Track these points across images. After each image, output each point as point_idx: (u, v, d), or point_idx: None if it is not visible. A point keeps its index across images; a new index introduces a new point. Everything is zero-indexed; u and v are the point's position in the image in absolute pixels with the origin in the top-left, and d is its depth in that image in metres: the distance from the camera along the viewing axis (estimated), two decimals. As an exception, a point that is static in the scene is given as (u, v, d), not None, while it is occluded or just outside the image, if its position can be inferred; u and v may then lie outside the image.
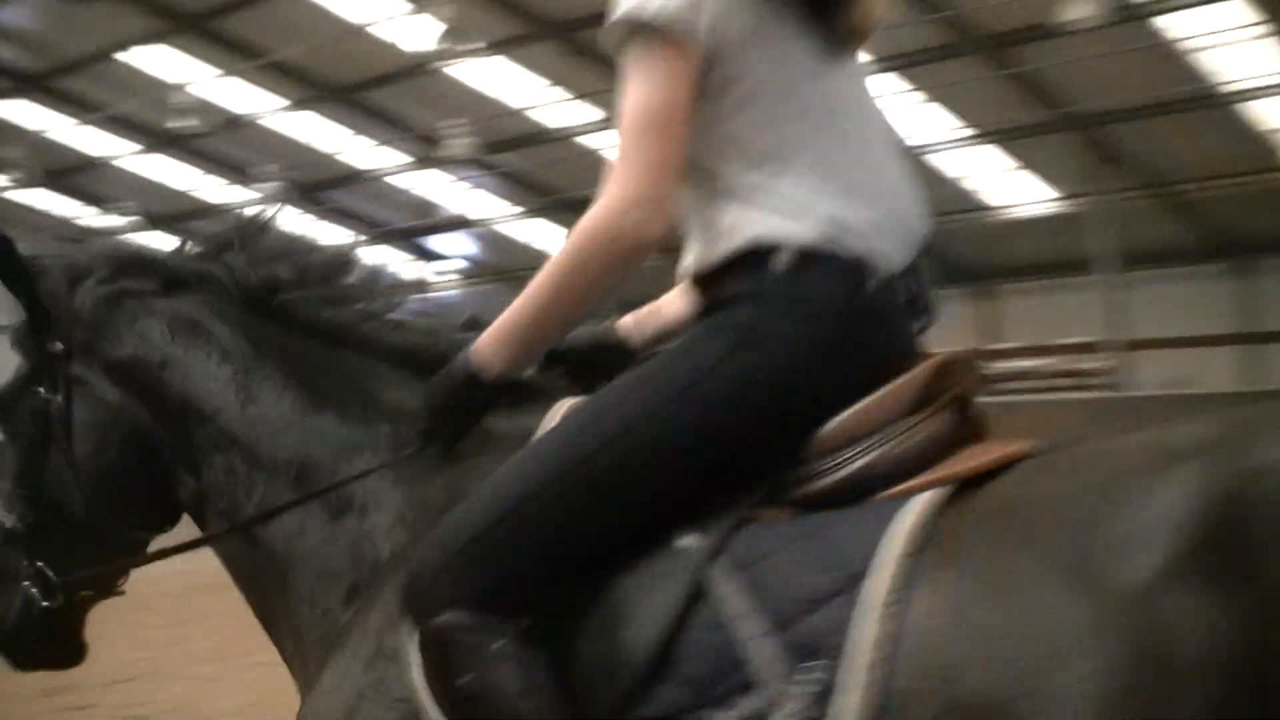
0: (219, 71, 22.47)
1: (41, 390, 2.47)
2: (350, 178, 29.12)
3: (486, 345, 2.10)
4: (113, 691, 8.37)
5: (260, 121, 25.90)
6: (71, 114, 25.08)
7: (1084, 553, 1.59)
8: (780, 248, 1.92)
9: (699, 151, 1.99)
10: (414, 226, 31.87)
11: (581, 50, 20.90)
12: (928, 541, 1.72)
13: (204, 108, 20.26)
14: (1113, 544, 1.57)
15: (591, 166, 25.79)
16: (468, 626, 1.85)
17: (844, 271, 1.93)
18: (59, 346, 2.49)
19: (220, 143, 26.49)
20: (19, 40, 24.23)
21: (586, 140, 24.65)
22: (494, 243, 32.25)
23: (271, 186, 25.88)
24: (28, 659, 2.62)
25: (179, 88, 20.26)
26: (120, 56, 23.22)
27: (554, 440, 2.01)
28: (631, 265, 1.97)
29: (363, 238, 32.96)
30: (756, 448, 1.93)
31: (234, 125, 25.35)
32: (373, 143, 26.88)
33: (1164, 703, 1.47)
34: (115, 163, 28.63)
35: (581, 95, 22.88)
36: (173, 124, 20.05)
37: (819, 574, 1.75)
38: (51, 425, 2.45)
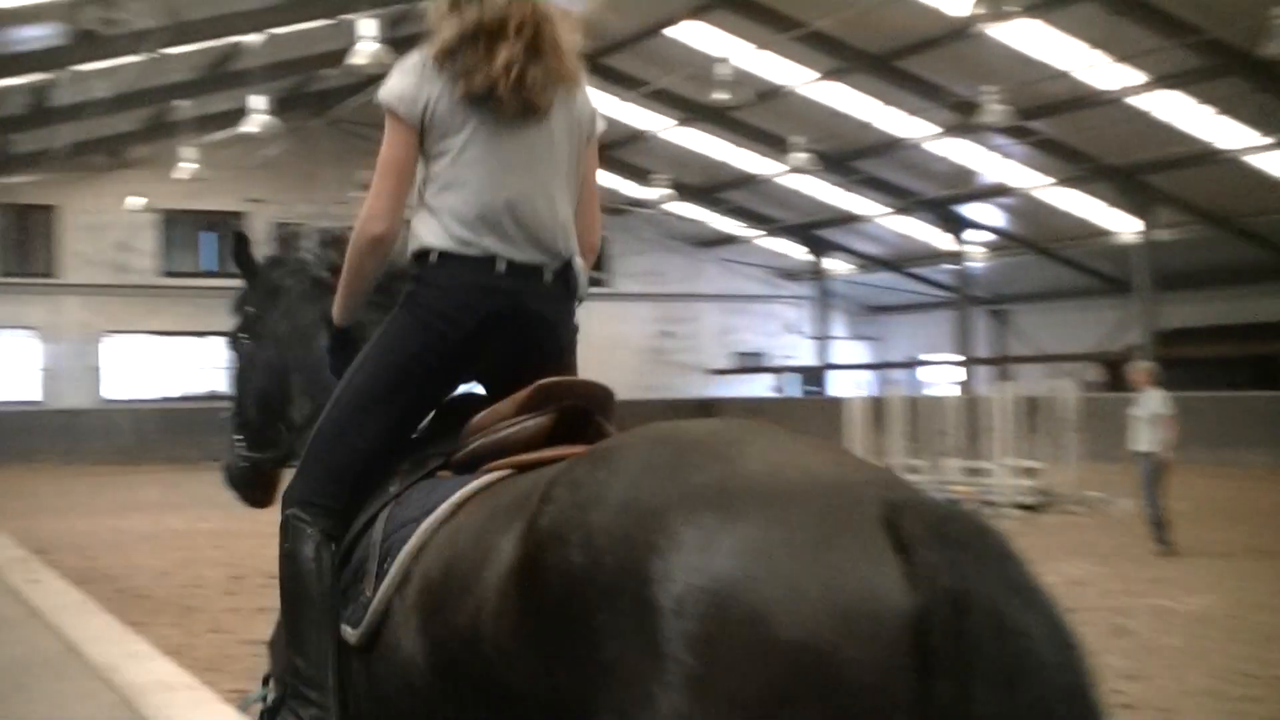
0: (754, 44, 23.14)
1: (244, 336, 3.98)
2: (882, 147, 29.17)
3: (335, 308, 3.38)
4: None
5: (794, 92, 26.48)
6: (615, 91, 26.69)
7: (517, 511, 2.45)
8: (429, 250, 3.09)
9: (422, 183, 3.17)
10: (946, 195, 31.51)
11: (1125, 10, 19.85)
12: (473, 496, 2.78)
13: (740, 80, 20.94)
14: (514, 508, 2.50)
15: (1136, 132, 24.54)
16: (296, 521, 3.12)
17: (472, 264, 3.07)
18: (253, 311, 3.97)
19: (754, 114, 27.33)
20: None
21: (1132, 103, 23.43)
22: (1027, 212, 31.33)
23: (802, 157, 26.38)
24: (241, 499, 4.08)
25: (718, 61, 21.03)
26: (666, 33, 24.45)
27: (343, 382, 3.23)
28: (373, 253, 3.19)
29: (890, 208, 33.05)
30: (427, 391, 3.20)
31: (769, 96, 26.06)
32: (904, 111, 26.79)
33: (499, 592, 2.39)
34: (655, 136, 30.19)
35: (1124, 58, 21.75)
36: (713, 96, 20.83)
37: (417, 510, 2.86)
38: (245, 358, 3.97)
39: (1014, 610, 1.91)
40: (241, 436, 3.96)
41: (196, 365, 34.00)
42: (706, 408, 39.05)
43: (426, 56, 3.10)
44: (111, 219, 32.07)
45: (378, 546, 2.91)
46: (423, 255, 3.11)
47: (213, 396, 33.69)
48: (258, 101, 20.82)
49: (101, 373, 32.86)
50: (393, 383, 3.12)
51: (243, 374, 3.98)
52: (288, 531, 3.12)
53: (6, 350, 32.45)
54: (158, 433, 32.47)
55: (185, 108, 25.91)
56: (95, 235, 32.26)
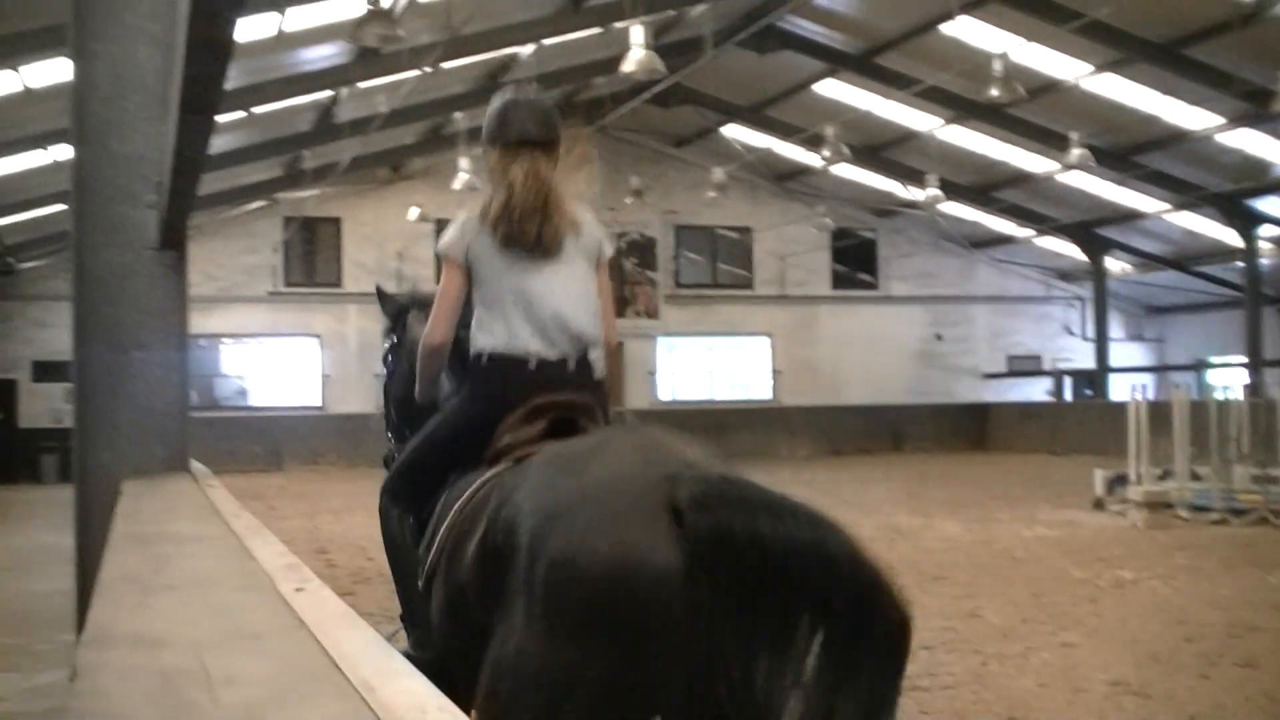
0: (1026, 38, 22.44)
1: (389, 358, 5.47)
2: (1164, 140, 27.90)
3: (416, 388, 4.72)
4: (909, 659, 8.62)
5: (1070, 85, 25.58)
6: (883, 91, 26.32)
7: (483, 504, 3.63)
8: (482, 352, 4.24)
9: (475, 305, 4.34)
10: (1234, 189, 29.90)
11: None
12: (484, 484, 3.78)
13: (1014, 75, 20.33)
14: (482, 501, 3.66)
15: None
16: (387, 505, 4.63)
17: (508, 363, 4.18)
18: (394, 337, 5.45)
19: (1028, 110, 26.51)
20: (839, 23, 25.87)
21: None
22: (1328, 206, 29.46)
23: (1079, 153, 25.44)
24: None
25: (993, 56, 20.49)
26: (940, 30, 23.97)
27: (426, 428, 4.49)
28: (433, 356, 4.50)
29: (1171, 204, 31.55)
30: (477, 440, 4.10)
31: (1044, 91, 25.24)
32: (1188, 101, 25.54)
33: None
34: (925, 135, 29.66)
35: None
36: (988, 93, 20.29)
37: (455, 496, 3.90)
38: (389, 374, 5.45)
39: (770, 528, 2.84)
40: (390, 433, 5.44)
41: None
42: (979, 412, 38.13)
43: (473, 215, 4.39)
44: (392, 229, 33.43)
45: (434, 522, 4.02)
46: (477, 357, 4.30)
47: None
48: (529, 112, 21.30)
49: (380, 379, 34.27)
50: (452, 437, 4.33)
51: (388, 386, 5.49)
52: (383, 510, 4.72)
53: (293, 357, 34.20)
54: (435, 435, 33.63)
55: (461, 120, 26.78)
56: (376, 246, 33.70)
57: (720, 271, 37.77)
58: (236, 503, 3.33)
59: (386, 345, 5.53)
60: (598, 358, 4.30)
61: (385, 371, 5.54)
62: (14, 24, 15.08)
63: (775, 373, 37.50)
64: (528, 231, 4.21)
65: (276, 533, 8.61)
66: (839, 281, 38.43)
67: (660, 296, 36.39)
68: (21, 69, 16.50)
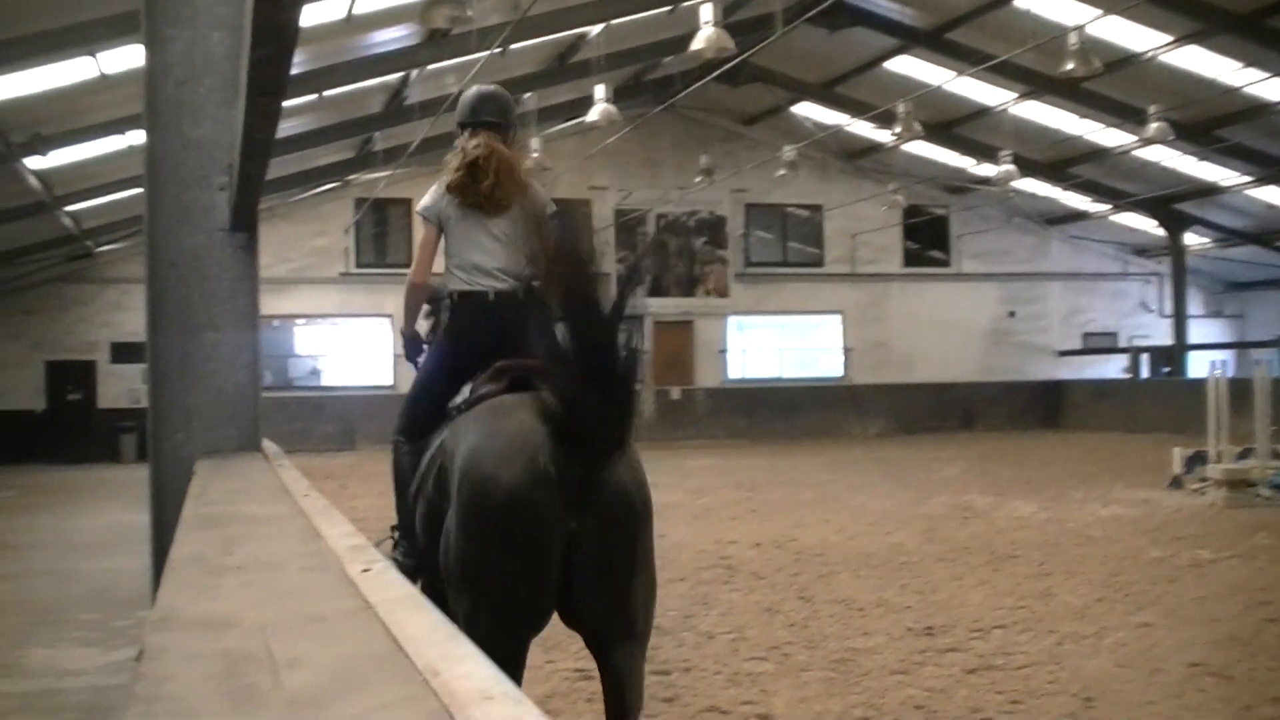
0: (1098, 12, 22.06)
1: (428, 341, 6.17)
2: (1246, 112, 27.34)
3: (403, 322, 6.05)
4: (981, 638, 8.56)
5: (1148, 59, 25.13)
6: (955, 66, 25.99)
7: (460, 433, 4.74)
8: (453, 293, 5.52)
9: (445, 255, 5.60)
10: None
11: None
12: (460, 419, 4.84)
13: (1090, 48, 19.98)
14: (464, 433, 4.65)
15: None
16: (398, 441, 5.57)
17: (472, 297, 5.42)
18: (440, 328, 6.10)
19: (1104, 84, 26.08)
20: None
21: None
22: None
23: (1157, 126, 25.00)
24: None
25: (1067, 30, 20.14)
26: (1012, 3, 23.64)
27: (418, 371, 5.91)
28: (414, 294, 5.83)
29: (1252, 178, 30.96)
30: (457, 370, 5.36)
31: (1121, 65, 24.82)
32: (1271, 73, 25.00)
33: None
34: (998, 111, 29.29)
35: None
36: (1063, 67, 19.95)
37: (439, 436, 5.01)
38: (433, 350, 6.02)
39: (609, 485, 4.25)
40: None
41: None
42: (1053, 390, 37.72)
43: (442, 183, 5.62)
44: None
45: (427, 454, 5.14)
46: (449, 295, 5.66)
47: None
48: (599, 91, 21.30)
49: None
50: (437, 370, 5.65)
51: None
52: (393, 446, 5.66)
53: (365, 337, 34.48)
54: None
55: (530, 100, 26.81)
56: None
57: (790, 250, 37.59)
58: (306, 482, 3.35)
59: (428, 324, 6.41)
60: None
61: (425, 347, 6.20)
62: (90, 10, 15.28)
63: (846, 351, 37.30)
64: (481, 193, 5.47)
65: (348, 512, 8.70)
66: (910, 259, 38.11)
67: (730, 275, 36.28)
68: (99, 55, 16.72)
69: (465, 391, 5.20)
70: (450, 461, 4.56)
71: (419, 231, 5.70)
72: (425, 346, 6.07)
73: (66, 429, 30.96)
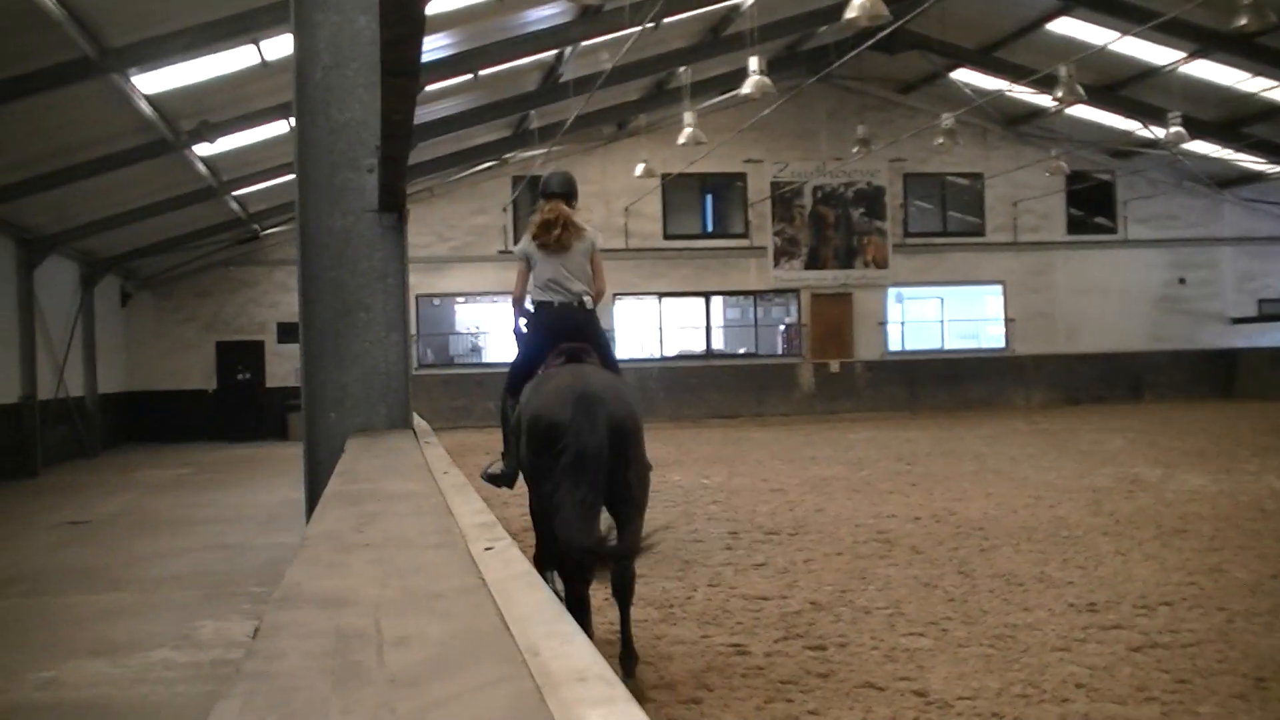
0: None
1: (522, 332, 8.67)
2: None
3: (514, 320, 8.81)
4: (1146, 615, 8.32)
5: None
6: (1117, 26, 25.16)
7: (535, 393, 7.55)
8: (535, 303, 8.18)
9: (529, 280, 8.39)
10: None
11: None
12: (545, 374, 7.64)
13: (1262, 1, 19.15)
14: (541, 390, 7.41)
15: None
16: (502, 394, 8.35)
17: (545, 305, 8.04)
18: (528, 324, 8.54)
19: (1278, 38, 25.02)
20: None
21: None
22: None
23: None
24: None
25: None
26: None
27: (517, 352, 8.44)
28: (516, 305, 8.54)
29: None
30: (538, 350, 7.97)
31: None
32: None
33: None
34: (1166, 70, 28.32)
35: None
36: (1235, 22, 19.17)
37: (541, 379, 7.57)
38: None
39: (607, 403, 6.83)
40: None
41: (697, 325, 35.28)
42: (1226, 359, 36.48)
43: (528, 234, 8.12)
44: (619, 186, 33.69)
45: (518, 405, 7.61)
46: (533, 305, 7.99)
47: (712, 355, 34.88)
48: (753, 63, 21.14)
49: (612, 335, 34.61)
50: (527, 351, 7.95)
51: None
52: (501, 399, 8.23)
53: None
54: (663, 391, 33.99)
55: (684, 74, 26.75)
56: (603, 202, 34.01)
57: (950, 219, 36.91)
58: (449, 459, 3.39)
59: (523, 321, 8.52)
60: (589, 299, 8.07)
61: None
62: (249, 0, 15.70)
63: (1008, 321, 36.51)
64: (551, 239, 8.00)
65: (505, 491, 8.80)
66: (1074, 226, 37.09)
67: (889, 246, 35.79)
68: (261, 43, 17.16)
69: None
70: (524, 409, 7.36)
71: (517, 265, 8.36)
72: (523, 333, 8.39)
73: (237, 407, 32.06)
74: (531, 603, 1.40)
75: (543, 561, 7.56)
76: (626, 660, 7.08)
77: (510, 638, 1.25)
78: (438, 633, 1.29)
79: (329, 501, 2.48)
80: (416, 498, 2.41)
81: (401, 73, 2.74)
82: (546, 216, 8.10)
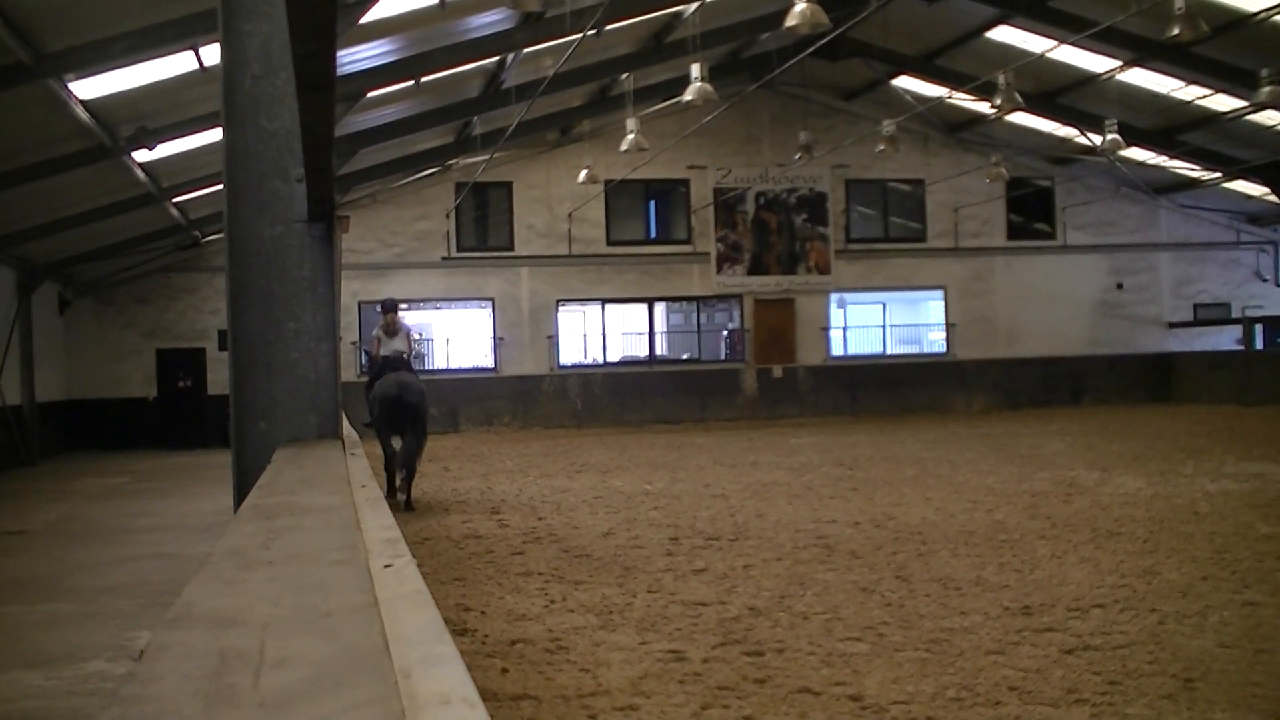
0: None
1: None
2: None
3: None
4: (1080, 617, 8.41)
5: (1258, 19, 24.40)
6: (1057, 35, 25.44)
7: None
8: (383, 356, 18.24)
9: (381, 347, 18.54)
10: None
11: None
12: (377, 382, 17.45)
13: (1195, 11, 19.42)
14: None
15: None
16: (367, 386, 18.02)
17: (387, 357, 17.32)
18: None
19: (1213, 47, 25.40)
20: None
21: None
22: None
23: (1269, 90, 24.28)
24: None
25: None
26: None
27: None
28: (373, 361, 18.91)
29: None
30: (380, 374, 17.21)
31: (1230, 27, 24.16)
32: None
33: None
34: (1102, 78, 28.66)
35: None
36: (1169, 32, 19.42)
37: (382, 380, 16.97)
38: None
39: (409, 389, 16.21)
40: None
41: (640, 330, 35.37)
42: (1163, 363, 36.98)
43: (378, 329, 18.05)
44: (562, 191, 33.74)
45: (373, 393, 16.77)
46: (382, 358, 17.44)
47: (655, 361, 34.96)
48: (695, 70, 21.21)
49: (555, 341, 34.60)
50: (377, 371, 17.07)
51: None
52: (366, 388, 17.71)
53: (467, 321, 34.84)
54: (606, 396, 34.05)
55: (627, 81, 26.81)
56: (546, 208, 34.04)
57: (892, 225, 37.18)
58: (369, 471, 3.38)
59: (377, 333, 17.42)
60: (408, 356, 17.26)
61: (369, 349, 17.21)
62: (189, 5, 15.56)
63: (949, 326, 36.84)
64: (388, 328, 17.25)
65: (451, 494, 8.85)
66: (1015, 232, 37.48)
67: (832, 251, 36.01)
68: (200, 49, 17.03)
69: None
70: (375, 392, 16.08)
71: (376, 339, 17.23)
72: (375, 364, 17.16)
73: (178, 416, 31.76)
74: (416, 622, 1.40)
75: (386, 463, 16.51)
76: (408, 506, 15.70)
77: (388, 659, 1.25)
78: (319, 653, 1.30)
79: (244, 516, 2.47)
80: (329, 512, 2.40)
81: (317, 87, 2.73)
82: (386, 321, 17.34)
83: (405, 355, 17.05)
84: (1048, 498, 14.88)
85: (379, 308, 18.13)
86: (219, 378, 31.81)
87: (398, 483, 16.13)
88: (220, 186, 18.66)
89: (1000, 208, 36.96)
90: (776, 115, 34.69)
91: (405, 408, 15.81)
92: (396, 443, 16.22)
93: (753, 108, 32.81)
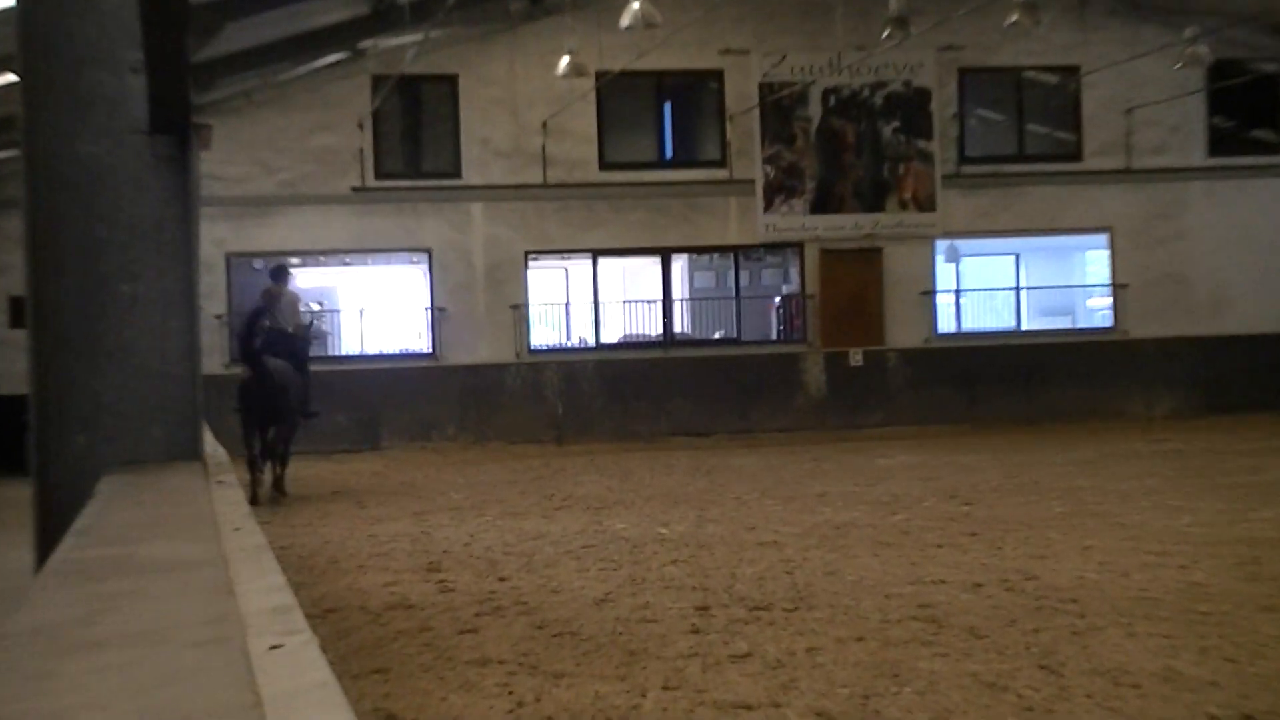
0: None
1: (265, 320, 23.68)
2: None
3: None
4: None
5: None
6: None
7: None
8: (269, 328, 25.34)
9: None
10: None
11: None
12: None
13: None
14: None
15: None
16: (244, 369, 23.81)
17: (272, 329, 24.03)
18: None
19: None
20: None
21: None
22: None
23: None
24: None
25: None
26: None
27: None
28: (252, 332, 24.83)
29: None
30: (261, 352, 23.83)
31: None
32: None
33: None
34: None
35: None
36: None
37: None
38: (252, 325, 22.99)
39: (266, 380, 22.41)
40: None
41: (652, 298, 35.25)
42: None
43: (262, 296, 26.23)
44: (532, 90, 33.65)
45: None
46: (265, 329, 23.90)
47: (673, 343, 34.91)
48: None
49: (524, 313, 34.38)
50: (261, 347, 22.88)
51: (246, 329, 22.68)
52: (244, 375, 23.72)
53: (391, 284, 34.88)
54: (600, 396, 34.04)
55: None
56: (510, 114, 33.91)
57: (1030, 137, 37.09)
58: (247, 508, 3.37)
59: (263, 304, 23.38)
60: (296, 327, 24.74)
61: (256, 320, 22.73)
62: None
63: (1117, 288, 36.77)
64: (274, 297, 23.73)
65: (371, 542, 8.97)
66: (1220, 146, 37.26)
67: (938, 179, 35.89)
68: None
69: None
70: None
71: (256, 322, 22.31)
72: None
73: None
74: (318, 734, 1.39)
75: (249, 464, 21.26)
76: (279, 498, 22.71)
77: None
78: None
79: (54, 576, 2.46)
80: (187, 569, 2.39)
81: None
82: (273, 290, 23.03)
83: (292, 330, 23.28)
84: (1273, 549, 14.89)
85: (269, 275, 24.26)
86: (11, 369, 31.56)
87: (260, 490, 22.50)
88: (10, 79, 18.60)
89: (1199, 108, 36.80)
90: (856, -26, 34.65)
91: (266, 397, 22.18)
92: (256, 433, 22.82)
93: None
